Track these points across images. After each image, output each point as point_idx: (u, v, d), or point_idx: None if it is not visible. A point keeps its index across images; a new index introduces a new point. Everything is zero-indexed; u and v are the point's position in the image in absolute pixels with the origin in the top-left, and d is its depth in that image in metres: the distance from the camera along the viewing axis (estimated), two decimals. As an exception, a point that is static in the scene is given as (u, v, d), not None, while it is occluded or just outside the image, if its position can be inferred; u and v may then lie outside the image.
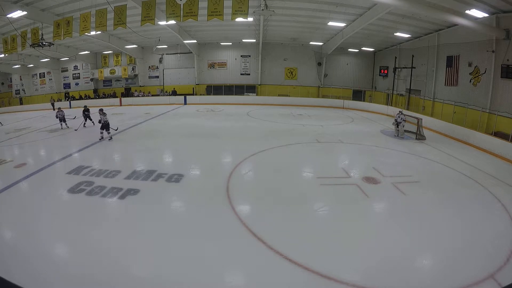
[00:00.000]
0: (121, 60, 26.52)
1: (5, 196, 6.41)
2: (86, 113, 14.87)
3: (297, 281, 3.78)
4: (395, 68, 19.72)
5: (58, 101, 26.86)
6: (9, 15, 12.82)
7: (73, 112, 18.31)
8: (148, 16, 12.19)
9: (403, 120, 11.98)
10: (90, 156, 9.46)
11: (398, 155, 9.70)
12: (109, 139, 11.39)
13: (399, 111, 12.43)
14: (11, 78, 30.84)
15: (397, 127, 12.10)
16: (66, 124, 14.63)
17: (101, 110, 11.69)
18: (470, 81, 13.74)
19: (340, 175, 7.53)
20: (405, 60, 19.01)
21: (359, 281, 3.74)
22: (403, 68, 19.16)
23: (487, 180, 7.40)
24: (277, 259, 4.15)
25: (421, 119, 12.19)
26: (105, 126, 11.31)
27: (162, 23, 14.55)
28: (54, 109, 23.28)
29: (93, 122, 14.75)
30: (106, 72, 26.68)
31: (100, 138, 11.38)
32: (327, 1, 13.75)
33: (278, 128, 13.67)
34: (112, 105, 23.91)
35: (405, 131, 12.23)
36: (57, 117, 14.58)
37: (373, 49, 23.49)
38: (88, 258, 4.15)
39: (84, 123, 14.69)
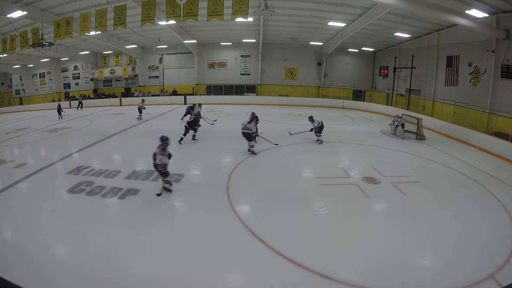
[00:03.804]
0: (121, 60, 26.51)
1: (5, 196, 6.41)
2: (190, 110, 13.88)
3: (297, 281, 3.78)
4: (395, 68, 19.71)
5: (58, 100, 26.88)
6: (9, 15, 12.83)
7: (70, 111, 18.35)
8: (148, 16, 12.21)
9: (400, 123, 12.19)
10: (90, 156, 9.45)
11: (398, 155, 9.70)
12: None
13: (396, 116, 12.67)
14: (11, 78, 30.84)
15: (402, 127, 12.20)
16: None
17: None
18: (470, 81, 13.74)
19: (340, 175, 7.53)
20: (405, 60, 19.00)
21: (359, 281, 3.74)
22: (403, 68, 19.16)
23: (487, 180, 7.40)
24: (277, 259, 4.15)
25: (421, 119, 12.20)
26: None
27: (162, 23, 14.54)
28: (75, 108, 22.52)
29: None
30: (106, 72, 26.68)
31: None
32: (327, 1, 13.75)
33: (278, 128, 13.65)
34: (112, 105, 23.91)
35: (405, 131, 12.30)
36: (192, 121, 10.94)
37: (373, 49, 23.47)
38: (88, 258, 4.15)
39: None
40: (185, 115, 14.25)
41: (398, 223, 5.30)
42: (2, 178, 7.39)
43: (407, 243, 4.64)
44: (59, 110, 17.92)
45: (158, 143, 6.12)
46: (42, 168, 8.16)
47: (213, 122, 14.14)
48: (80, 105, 22.68)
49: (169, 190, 6.34)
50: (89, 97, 26.54)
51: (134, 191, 6.42)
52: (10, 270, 3.82)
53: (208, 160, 8.99)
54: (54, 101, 26.68)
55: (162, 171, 6.00)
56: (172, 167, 8.28)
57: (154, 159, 5.98)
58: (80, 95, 26.22)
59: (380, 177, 7.29)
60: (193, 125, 10.62)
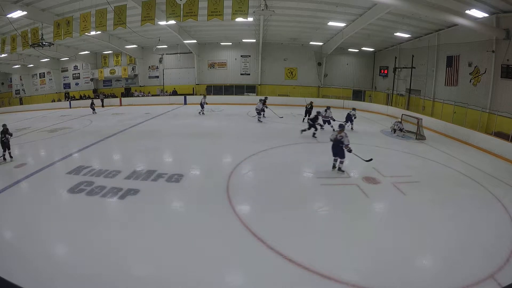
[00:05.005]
0: (121, 60, 26.49)
1: (6, 196, 6.41)
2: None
3: (297, 281, 3.78)
4: (395, 68, 19.70)
5: (58, 101, 26.90)
6: (9, 15, 12.81)
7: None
8: (148, 16, 12.20)
9: (399, 128, 12.54)
10: (90, 156, 9.46)
11: (398, 155, 9.70)
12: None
13: (396, 121, 13.01)
14: (11, 78, 30.82)
15: (400, 131, 12.45)
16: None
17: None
18: (470, 81, 13.74)
19: (340, 175, 7.53)
20: (405, 60, 18.99)
21: (359, 281, 3.74)
22: (403, 68, 19.14)
23: (487, 180, 7.40)
24: (277, 259, 4.15)
25: (421, 119, 12.20)
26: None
27: (162, 23, 14.54)
28: (103, 106, 23.45)
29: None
30: (106, 72, 26.66)
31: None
32: (327, 1, 13.75)
33: (278, 128, 13.67)
34: (112, 105, 23.92)
35: (405, 131, 12.37)
36: (313, 118, 11.41)
37: (373, 49, 23.46)
38: (88, 258, 4.15)
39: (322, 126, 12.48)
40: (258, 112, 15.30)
41: (398, 223, 5.30)
42: (2, 178, 7.39)
43: (407, 243, 4.64)
44: (92, 105, 20.10)
45: (338, 129, 7.43)
46: (42, 168, 8.16)
47: (281, 116, 15.61)
48: (102, 102, 23.86)
49: (343, 171, 7.53)
50: (88, 97, 26.54)
51: (134, 191, 6.42)
52: (10, 270, 3.82)
53: (208, 160, 8.99)
54: (54, 101, 26.74)
55: (350, 150, 7.37)
56: (172, 167, 8.33)
57: (341, 142, 7.29)
58: (101, 93, 26.37)
59: (380, 177, 7.29)
60: (314, 121, 11.44)
